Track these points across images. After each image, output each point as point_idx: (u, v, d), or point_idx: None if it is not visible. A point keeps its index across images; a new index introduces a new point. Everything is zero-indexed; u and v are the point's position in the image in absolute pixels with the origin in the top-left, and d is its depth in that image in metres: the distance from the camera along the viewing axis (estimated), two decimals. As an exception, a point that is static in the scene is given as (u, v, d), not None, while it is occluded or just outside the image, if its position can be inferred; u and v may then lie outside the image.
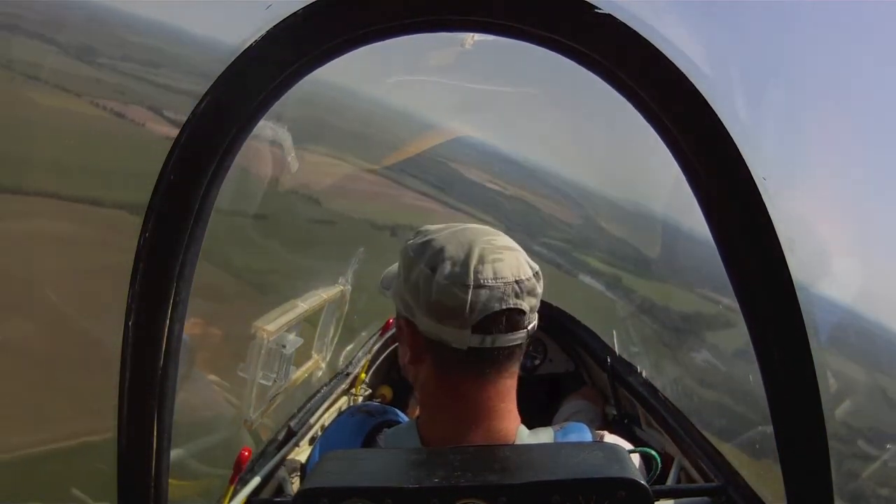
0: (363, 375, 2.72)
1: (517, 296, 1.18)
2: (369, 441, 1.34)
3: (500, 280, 1.17)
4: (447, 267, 1.19)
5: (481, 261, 1.18)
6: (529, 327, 1.22)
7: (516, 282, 1.18)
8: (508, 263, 1.20)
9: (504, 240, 1.26)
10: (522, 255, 1.24)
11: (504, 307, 1.17)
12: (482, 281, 1.17)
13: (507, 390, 1.23)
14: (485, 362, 1.20)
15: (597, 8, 0.94)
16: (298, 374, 2.46)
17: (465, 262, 1.18)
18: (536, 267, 1.25)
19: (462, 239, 1.23)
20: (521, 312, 1.19)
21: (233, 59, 1.02)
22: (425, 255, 1.23)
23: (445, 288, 1.18)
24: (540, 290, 1.23)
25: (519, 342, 1.21)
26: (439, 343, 1.21)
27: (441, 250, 1.22)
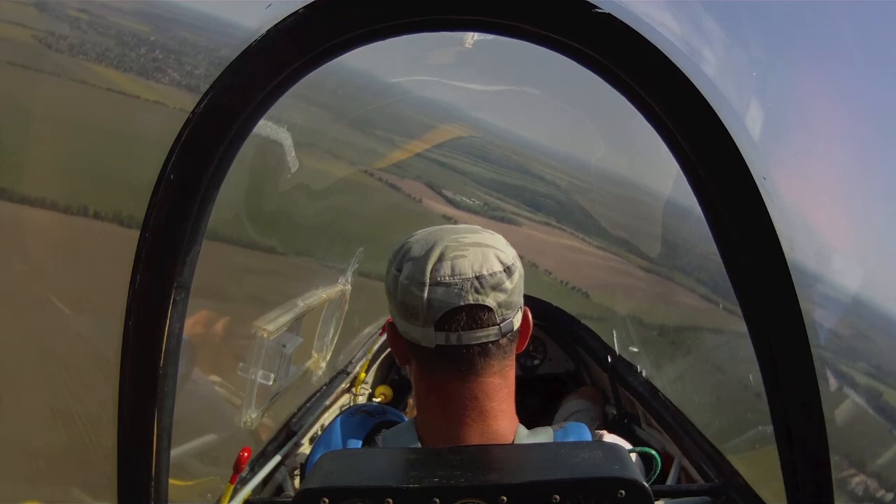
0: (363, 375, 2.72)
1: (478, 291, 1.17)
2: (369, 441, 1.35)
3: (458, 277, 1.16)
4: (409, 267, 1.20)
5: (441, 258, 1.18)
6: (503, 324, 1.19)
7: (476, 277, 1.17)
8: (471, 259, 1.18)
9: (478, 237, 1.24)
10: (493, 252, 1.21)
11: (462, 303, 1.16)
12: (438, 278, 1.16)
13: (494, 389, 1.22)
14: (458, 360, 1.19)
15: (597, 7, 0.94)
16: (298, 374, 2.45)
17: (424, 261, 1.19)
18: (511, 262, 1.22)
19: (429, 238, 1.23)
20: (486, 308, 1.17)
21: (233, 58, 1.02)
22: (396, 258, 1.24)
23: (406, 288, 1.19)
24: (511, 285, 1.20)
25: (491, 339, 1.19)
26: (415, 343, 1.22)
27: (408, 251, 1.23)
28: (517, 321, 1.24)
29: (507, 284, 1.19)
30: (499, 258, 1.20)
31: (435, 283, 1.16)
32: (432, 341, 1.18)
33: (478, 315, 1.17)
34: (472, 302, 1.16)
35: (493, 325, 1.18)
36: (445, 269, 1.17)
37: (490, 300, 1.17)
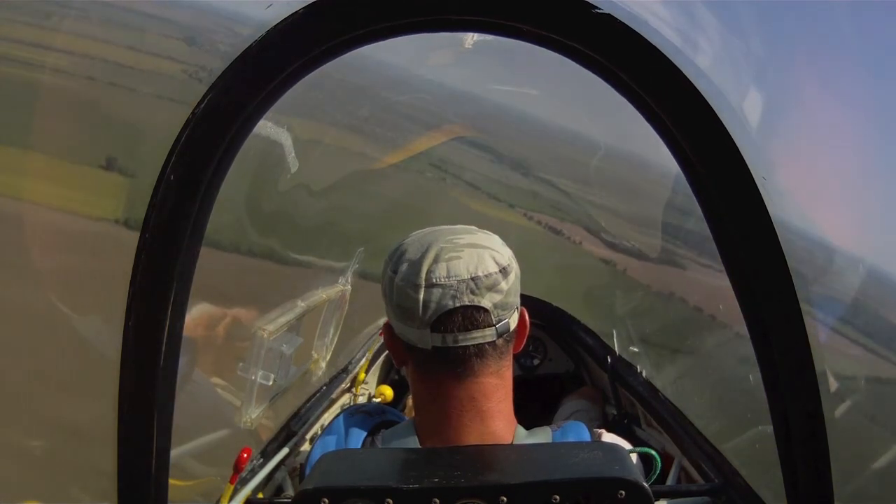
0: (363, 375, 2.72)
1: (473, 293, 1.17)
2: (368, 441, 1.35)
3: (454, 278, 1.16)
4: (404, 268, 1.20)
5: (436, 260, 1.18)
6: (499, 325, 1.20)
7: (472, 279, 1.17)
8: (466, 261, 1.18)
9: (474, 238, 1.24)
10: (489, 252, 1.21)
11: (457, 305, 1.16)
12: (434, 280, 1.17)
13: (491, 390, 1.22)
14: (454, 362, 1.19)
15: (596, 8, 0.94)
16: (298, 374, 2.45)
17: (419, 263, 1.19)
18: (506, 263, 1.22)
19: (424, 240, 1.24)
20: (481, 310, 1.18)
21: (233, 58, 1.02)
22: (392, 259, 1.25)
23: (401, 289, 1.19)
24: (506, 285, 1.20)
25: (488, 340, 1.19)
26: (411, 345, 1.22)
27: (403, 253, 1.23)
28: (514, 322, 1.24)
29: (503, 285, 1.19)
30: (494, 259, 1.20)
31: (430, 285, 1.17)
32: (428, 343, 1.18)
33: (473, 316, 1.17)
34: (467, 303, 1.17)
35: (489, 325, 1.18)
36: (441, 270, 1.17)
37: (486, 301, 1.17)
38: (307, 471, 1.32)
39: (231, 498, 1.59)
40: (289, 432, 2.11)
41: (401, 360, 1.30)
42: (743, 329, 1.12)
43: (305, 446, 2.16)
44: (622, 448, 1.15)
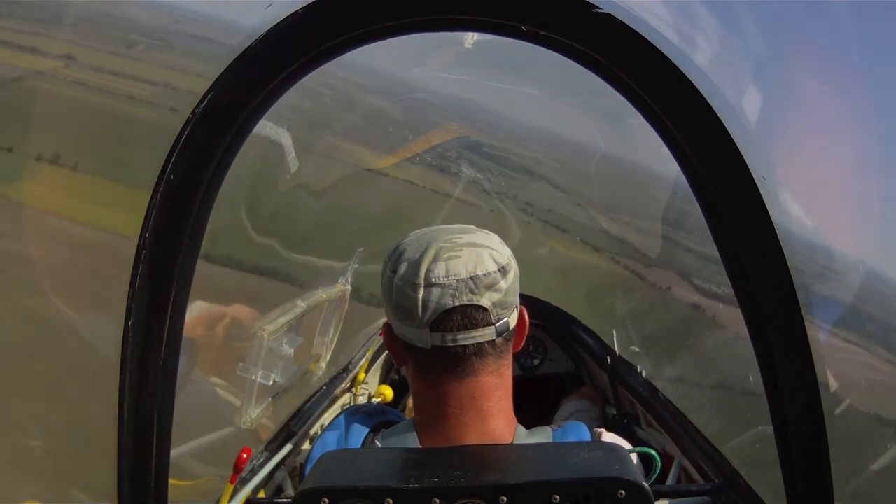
0: (363, 375, 2.72)
1: (472, 292, 1.17)
2: (368, 441, 1.35)
3: (453, 277, 1.17)
4: (403, 268, 1.21)
5: (435, 259, 1.19)
6: (498, 324, 1.20)
7: (471, 278, 1.17)
8: (465, 260, 1.18)
9: (473, 237, 1.24)
10: (488, 252, 1.21)
11: (457, 304, 1.17)
12: (433, 279, 1.17)
13: (491, 389, 1.22)
14: (454, 361, 1.20)
15: (596, 7, 0.94)
16: (298, 374, 2.45)
17: (418, 262, 1.19)
18: (505, 262, 1.22)
19: (423, 239, 1.24)
20: (481, 309, 1.18)
21: (233, 58, 1.02)
22: (391, 259, 1.25)
23: (400, 289, 1.20)
24: (506, 284, 1.20)
25: (487, 339, 1.19)
26: (411, 344, 1.22)
27: (402, 252, 1.24)
28: (513, 320, 1.24)
29: (502, 284, 1.20)
30: (493, 258, 1.20)
31: (429, 285, 1.17)
32: (428, 342, 1.18)
33: (473, 315, 1.18)
34: (466, 302, 1.17)
35: (489, 324, 1.19)
36: (440, 269, 1.17)
37: (485, 300, 1.18)
38: (307, 470, 1.32)
39: (231, 498, 1.59)
40: (289, 432, 2.11)
41: (401, 360, 1.30)
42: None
43: (305, 446, 2.16)
44: (622, 448, 1.15)
